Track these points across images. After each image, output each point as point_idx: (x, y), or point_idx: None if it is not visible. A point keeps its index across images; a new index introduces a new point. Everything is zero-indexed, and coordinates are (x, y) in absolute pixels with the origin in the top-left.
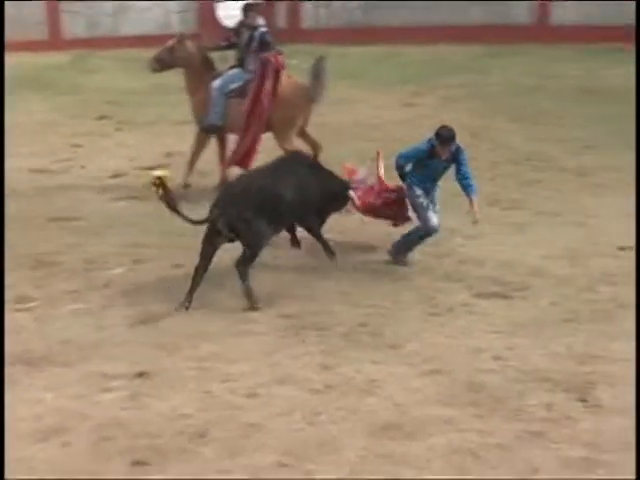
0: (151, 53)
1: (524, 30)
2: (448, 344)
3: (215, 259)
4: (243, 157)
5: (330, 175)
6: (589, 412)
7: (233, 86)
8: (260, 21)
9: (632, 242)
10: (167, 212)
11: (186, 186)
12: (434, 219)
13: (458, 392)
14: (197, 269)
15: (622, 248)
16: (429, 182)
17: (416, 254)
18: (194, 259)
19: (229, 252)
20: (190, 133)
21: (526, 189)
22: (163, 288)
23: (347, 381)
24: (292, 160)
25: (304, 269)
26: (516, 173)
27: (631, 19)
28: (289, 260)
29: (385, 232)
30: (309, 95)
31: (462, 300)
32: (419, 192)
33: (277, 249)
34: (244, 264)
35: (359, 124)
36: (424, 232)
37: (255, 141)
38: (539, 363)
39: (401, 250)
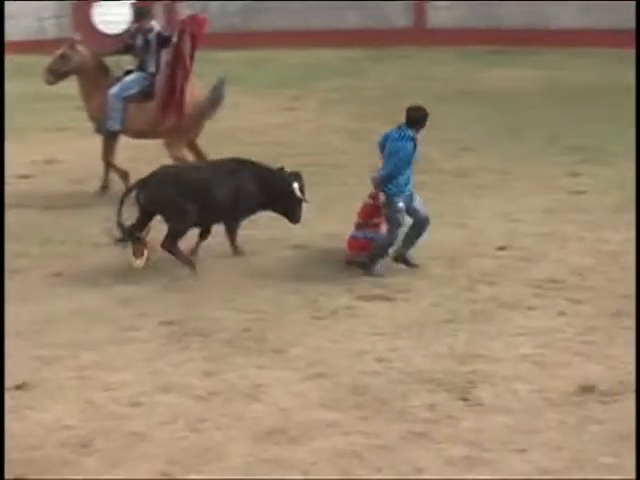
0: (24, 59)
1: (401, 33)
2: (332, 347)
3: (92, 267)
4: (176, 110)
5: (275, 176)
6: (471, 411)
7: (132, 91)
8: (154, 24)
9: (510, 242)
10: (47, 221)
11: (103, 188)
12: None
13: (342, 395)
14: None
15: (501, 248)
16: (408, 170)
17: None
18: (75, 267)
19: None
20: (69, 140)
21: None
22: (42, 298)
23: (231, 387)
24: (239, 163)
25: (185, 275)
26: None
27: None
28: (170, 266)
29: (268, 237)
30: (204, 110)
31: (345, 303)
32: (400, 205)
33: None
34: (168, 242)
35: (240, 129)
36: (389, 243)
37: (182, 92)
38: (421, 364)
39: (376, 261)
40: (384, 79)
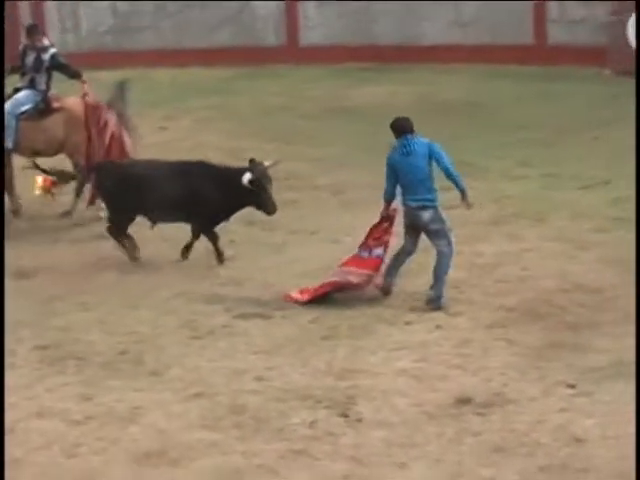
0: None
1: (273, 51)
2: (210, 367)
3: None
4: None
5: (228, 174)
6: (350, 427)
7: (24, 108)
8: (46, 42)
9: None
10: None
11: (15, 212)
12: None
13: (221, 415)
14: None
15: None
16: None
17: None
18: None
19: None
20: None
21: (282, 209)
22: None
23: (108, 411)
24: (193, 165)
25: (59, 298)
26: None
27: None
28: (43, 289)
29: (144, 255)
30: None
31: (222, 322)
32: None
33: (21, 279)
34: (112, 230)
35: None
36: (450, 256)
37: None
38: (300, 381)
39: (441, 290)
40: (257, 97)
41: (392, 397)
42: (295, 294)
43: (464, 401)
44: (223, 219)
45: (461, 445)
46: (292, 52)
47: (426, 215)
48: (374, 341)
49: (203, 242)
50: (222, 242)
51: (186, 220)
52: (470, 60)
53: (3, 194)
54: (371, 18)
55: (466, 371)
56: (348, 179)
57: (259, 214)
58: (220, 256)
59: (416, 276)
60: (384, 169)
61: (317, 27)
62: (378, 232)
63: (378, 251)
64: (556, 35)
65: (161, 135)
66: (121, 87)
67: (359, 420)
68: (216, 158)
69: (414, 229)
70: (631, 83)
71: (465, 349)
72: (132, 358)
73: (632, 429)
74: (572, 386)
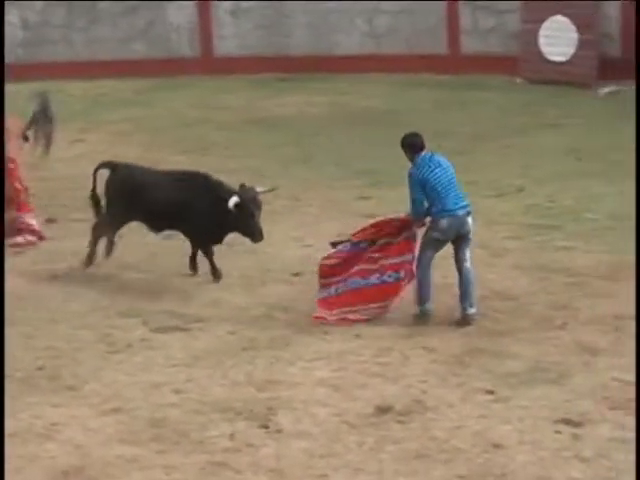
0: None
1: (188, 63)
2: (128, 381)
3: None
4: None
5: (218, 193)
6: (270, 438)
7: None
8: None
9: (305, 267)
10: None
11: None
12: None
13: (140, 429)
14: None
15: (296, 274)
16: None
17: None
18: None
19: None
20: None
21: None
22: None
23: (26, 427)
24: (192, 178)
25: None
26: None
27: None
28: None
29: (62, 269)
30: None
31: (140, 335)
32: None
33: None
34: (96, 225)
35: (20, 164)
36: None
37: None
38: (220, 393)
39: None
40: (173, 109)
41: (312, 407)
42: (321, 314)
43: (384, 409)
44: (214, 237)
45: (381, 453)
46: (207, 63)
47: (469, 221)
48: (293, 352)
49: (119, 256)
50: (142, 254)
51: (181, 232)
52: (385, 70)
53: (3, 197)
54: (286, 29)
55: (386, 379)
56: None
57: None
58: (215, 273)
59: None
60: (300, 179)
61: (231, 38)
62: (394, 249)
63: (395, 274)
64: (469, 45)
65: (77, 148)
66: (42, 97)
67: (279, 431)
68: None
69: (444, 244)
70: (542, 91)
71: (384, 357)
72: (49, 373)
73: (549, 433)
74: (490, 392)
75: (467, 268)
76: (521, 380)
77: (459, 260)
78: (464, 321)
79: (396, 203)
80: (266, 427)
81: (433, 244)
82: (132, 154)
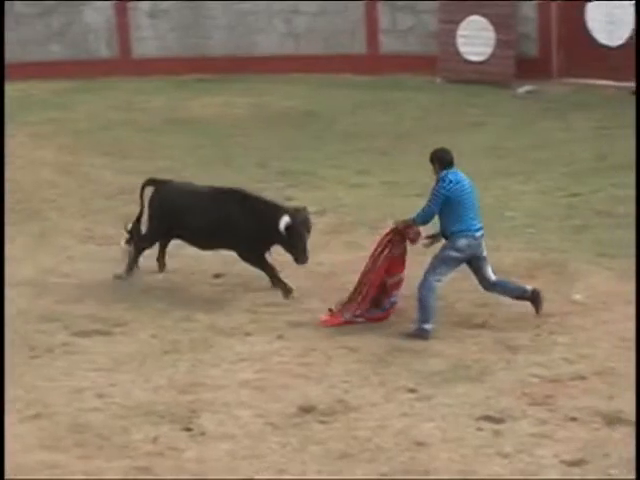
0: None
1: (106, 64)
2: (49, 386)
3: None
4: None
5: (266, 209)
6: (194, 441)
7: None
8: None
9: (226, 269)
10: None
11: None
12: None
13: (62, 435)
14: None
15: (217, 275)
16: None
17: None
18: None
19: None
20: None
21: (121, 223)
22: None
23: None
24: (229, 193)
25: None
26: (109, 208)
27: None
28: None
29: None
30: None
31: (61, 340)
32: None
33: None
34: (135, 244)
35: None
36: None
37: None
38: (142, 397)
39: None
40: (92, 111)
41: (235, 409)
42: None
43: (307, 410)
44: (262, 249)
45: (305, 454)
46: (125, 64)
47: (483, 243)
48: (215, 354)
49: (38, 261)
50: (59, 259)
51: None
52: (304, 70)
53: (3, 200)
54: (204, 30)
55: (309, 380)
56: None
57: (97, 229)
58: (284, 289)
59: (254, 287)
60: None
61: (150, 39)
62: (394, 262)
63: (393, 299)
64: (388, 45)
65: None
66: None
67: (203, 434)
68: (50, 174)
69: (460, 264)
70: (461, 90)
71: (307, 358)
72: None
73: (471, 430)
74: (413, 390)
75: (496, 280)
76: (443, 378)
77: (484, 279)
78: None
79: (318, 204)
80: (189, 430)
81: (448, 262)
82: (50, 157)
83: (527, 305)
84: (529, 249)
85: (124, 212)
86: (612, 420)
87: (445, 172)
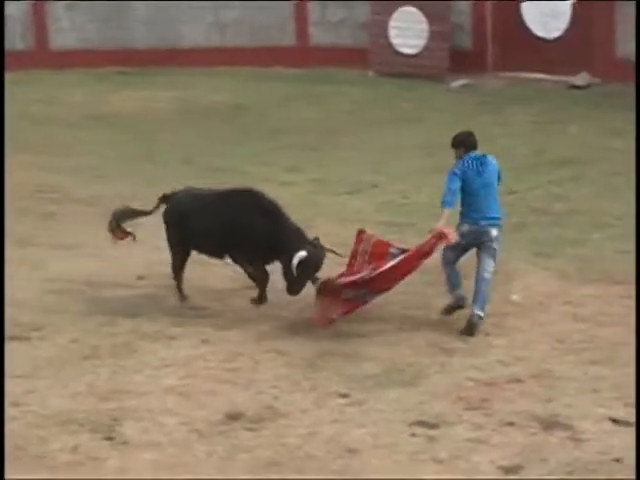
0: None
1: (22, 56)
2: None
3: None
4: None
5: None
6: (116, 450)
7: None
8: None
9: (150, 271)
10: None
11: None
12: None
13: None
14: None
15: (140, 277)
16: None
17: None
18: None
19: None
20: None
21: (39, 223)
22: None
23: None
24: (243, 195)
25: None
26: (27, 207)
27: None
28: None
29: None
30: None
31: None
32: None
33: None
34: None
35: None
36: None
37: None
38: (61, 405)
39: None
40: (10, 104)
41: (159, 416)
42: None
43: (235, 416)
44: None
45: (232, 463)
46: (42, 56)
47: (494, 232)
48: (138, 359)
49: None
50: None
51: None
52: (232, 63)
53: (3, 201)
54: (127, 21)
55: (236, 385)
56: (107, 191)
57: (21, 229)
58: (260, 298)
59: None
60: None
61: (68, 31)
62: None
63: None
64: (318, 36)
65: None
66: None
67: (125, 442)
68: None
69: (465, 250)
70: (394, 84)
71: (234, 363)
72: None
73: (405, 436)
74: (344, 396)
75: (484, 277)
76: (376, 382)
77: (479, 269)
78: (468, 324)
79: None
80: (111, 439)
81: (453, 247)
82: None
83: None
84: None
85: (44, 211)
86: (549, 424)
87: (467, 155)
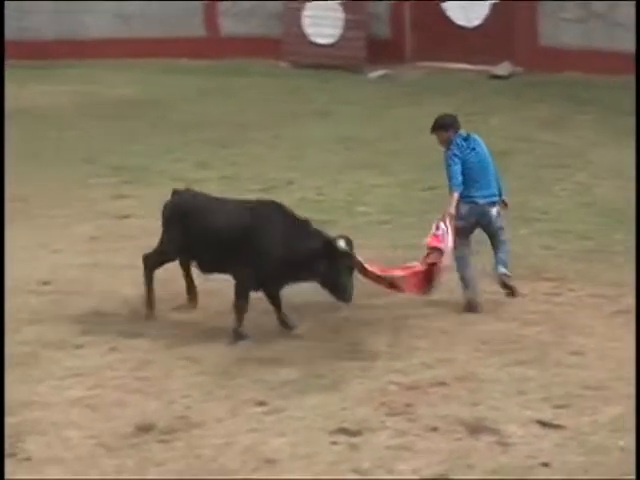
0: None
1: None
2: None
3: None
4: None
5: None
6: (19, 466)
7: None
8: None
9: (55, 276)
10: None
11: None
12: None
13: None
14: None
15: (45, 283)
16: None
17: None
18: None
19: None
20: None
21: None
22: None
23: None
24: (258, 207)
25: None
26: None
27: None
28: None
29: None
30: None
31: None
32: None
33: None
34: (146, 263)
35: None
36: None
37: None
38: None
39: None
40: None
41: (64, 430)
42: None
43: (145, 428)
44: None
45: (143, 477)
46: None
47: (494, 211)
48: (41, 369)
49: None
50: None
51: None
52: (139, 55)
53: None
54: (25, 11)
55: (146, 395)
56: (11, 191)
57: None
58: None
59: (86, 295)
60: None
61: None
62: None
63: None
64: (228, 27)
65: None
66: None
67: (28, 459)
68: None
69: (471, 230)
70: (309, 75)
71: (144, 372)
72: None
73: (325, 445)
74: (261, 403)
75: (502, 241)
76: (294, 389)
77: (495, 250)
78: (501, 283)
79: (156, 202)
80: (13, 455)
81: (459, 233)
82: None
83: (385, 308)
84: (383, 246)
85: None
86: (475, 429)
87: (456, 135)
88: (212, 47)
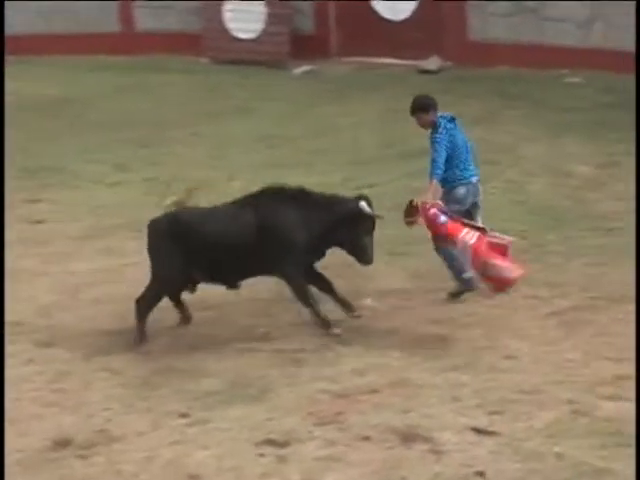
0: None
1: None
2: None
3: None
4: None
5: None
6: None
7: None
8: None
9: None
10: None
11: None
12: None
13: None
14: None
15: None
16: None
17: None
18: None
19: None
20: None
21: None
22: None
23: None
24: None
25: None
26: None
27: None
28: None
29: None
30: None
31: None
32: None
33: None
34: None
35: None
36: None
37: None
38: None
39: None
40: None
41: None
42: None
43: (63, 443)
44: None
45: None
46: None
47: (480, 188)
48: None
49: None
50: None
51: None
52: (53, 51)
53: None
54: None
55: (64, 408)
56: None
57: None
58: (324, 323)
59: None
60: None
61: None
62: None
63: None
64: (145, 21)
65: None
66: None
67: None
68: None
69: (464, 214)
70: (230, 72)
71: (61, 383)
72: None
73: (252, 457)
74: (184, 415)
75: None
76: (219, 399)
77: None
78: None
79: (72, 206)
80: None
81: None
82: None
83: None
84: None
85: None
86: (408, 437)
87: (441, 118)
88: (127, 43)
